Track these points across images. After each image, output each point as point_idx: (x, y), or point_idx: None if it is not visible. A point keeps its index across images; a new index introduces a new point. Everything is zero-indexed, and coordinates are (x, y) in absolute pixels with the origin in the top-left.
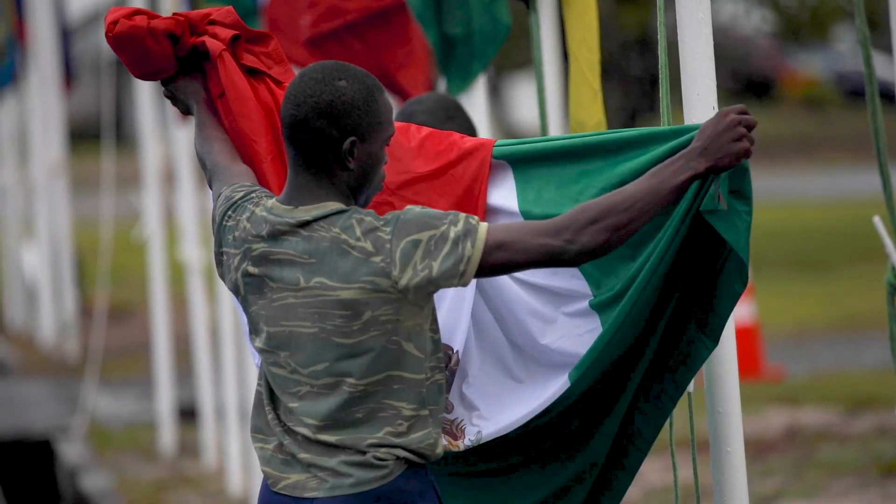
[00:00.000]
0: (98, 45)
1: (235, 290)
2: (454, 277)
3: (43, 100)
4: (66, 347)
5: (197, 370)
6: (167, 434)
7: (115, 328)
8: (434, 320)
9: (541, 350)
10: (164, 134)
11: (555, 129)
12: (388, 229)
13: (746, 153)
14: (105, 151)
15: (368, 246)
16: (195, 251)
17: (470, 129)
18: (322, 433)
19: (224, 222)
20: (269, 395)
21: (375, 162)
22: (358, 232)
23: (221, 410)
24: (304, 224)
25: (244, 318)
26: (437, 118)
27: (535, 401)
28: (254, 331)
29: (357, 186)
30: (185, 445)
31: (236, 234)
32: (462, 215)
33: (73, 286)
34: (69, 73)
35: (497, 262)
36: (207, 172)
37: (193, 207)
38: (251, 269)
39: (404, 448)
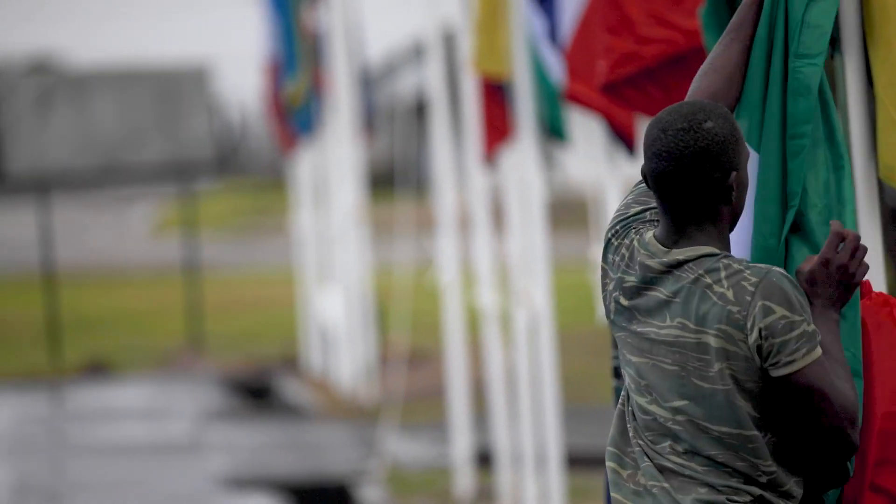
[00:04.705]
0: (394, 92)
1: (607, 311)
2: (775, 366)
3: (341, 147)
4: (362, 392)
5: (493, 415)
6: (464, 479)
7: (411, 372)
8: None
9: None
10: (460, 180)
11: (859, 175)
12: (754, 280)
13: (862, 275)
14: (400, 198)
15: (729, 294)
16: (491, 297)
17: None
18: (683, 468)
19: (611, 238)
20: (633, 420)
21: (746, 185)
22: (722, 275)
23: (517, 455)
24: (677, 265)
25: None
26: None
27: None
28: (620, 353)
29: (735, 215)
30: (481, 490)
31: (616, 259)
32: (812, 323)
33: (374, 331)
34: (369, 122)
35: (803, 386)
36: None
37: (489, 253)
38: (622, 301)
39: (766, 488)
